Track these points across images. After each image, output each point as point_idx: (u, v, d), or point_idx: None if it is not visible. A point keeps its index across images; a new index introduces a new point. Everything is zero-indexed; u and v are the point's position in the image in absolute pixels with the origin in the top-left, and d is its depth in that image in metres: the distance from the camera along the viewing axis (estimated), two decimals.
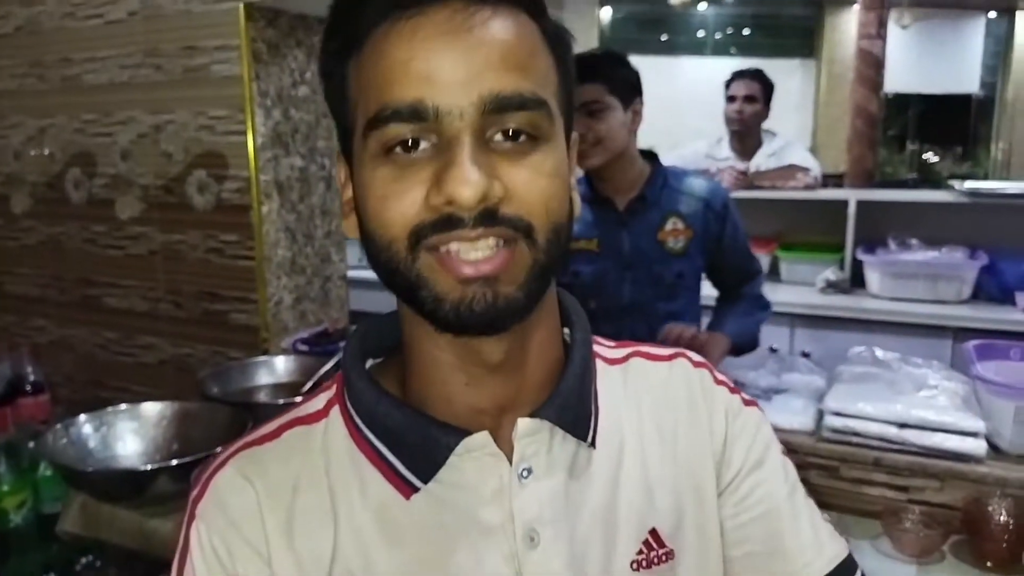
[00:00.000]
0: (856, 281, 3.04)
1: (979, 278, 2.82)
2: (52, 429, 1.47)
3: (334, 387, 0.66)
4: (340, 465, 0.61)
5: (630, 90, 1.79)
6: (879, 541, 1.39)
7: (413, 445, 0.59)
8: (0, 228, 2.30)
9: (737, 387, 0.74)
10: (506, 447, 0.60)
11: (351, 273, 2.22)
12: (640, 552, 0.64)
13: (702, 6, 10.34)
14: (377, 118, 0.53)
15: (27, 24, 2.11)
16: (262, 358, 1.81)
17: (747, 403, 0.73)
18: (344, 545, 0.59)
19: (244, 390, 1.73)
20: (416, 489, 0.60)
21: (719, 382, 0.73)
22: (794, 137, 4.18)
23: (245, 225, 1.86)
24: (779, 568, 0.68)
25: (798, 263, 3.22)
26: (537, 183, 0.54)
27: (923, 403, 1.51)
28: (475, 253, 0.53)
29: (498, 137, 0.53)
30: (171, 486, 1.33)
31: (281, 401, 1.62)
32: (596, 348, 0.69)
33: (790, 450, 1.52)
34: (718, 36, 10.72)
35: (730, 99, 3.24)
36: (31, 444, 1.52)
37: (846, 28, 9.76)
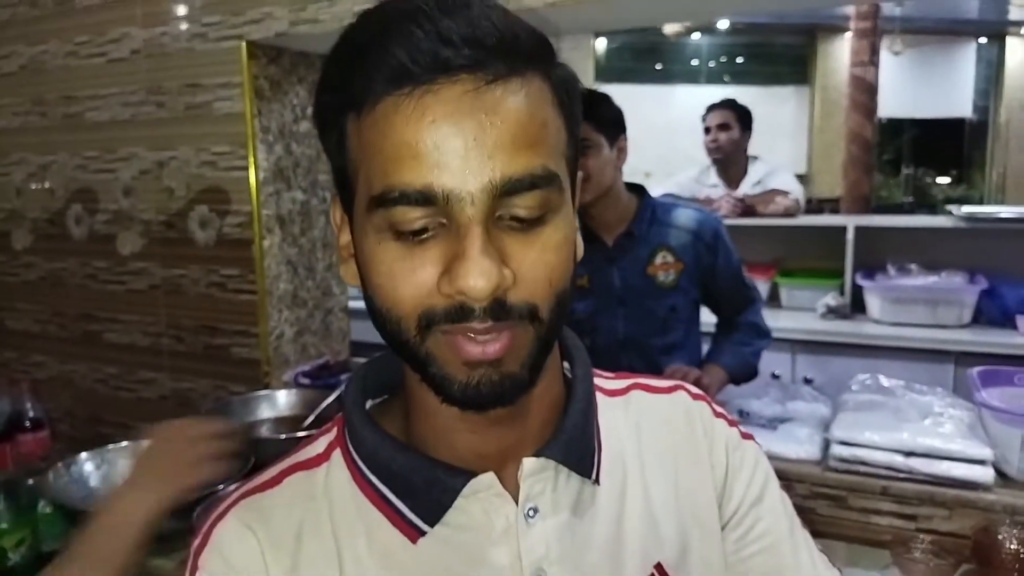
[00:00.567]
0: (856, 306, 3.04)
1: (979, 302, 2.82)
2: (53, 467, 1.46)
3: (334, 430, 0.66)
4: (344, 510, 0.61)
5: (615, 127, 1.80)
6: (889, 572, 1.38)
7: (418, 488, 0.59)
8: (1, 264, 2.30)
9: (735, 420, 0.74)
10: (511, 487, 0.60)
11: (352, 304, 2.22)
12: None
13: (696, 35, 10.48)
14: (383, 198, 0.51)
15: (30, 63, 2.13)
16: (264, 392, 1.80)
17: (744, 436, 0.73)
18: None
19: (246, 424, 1.72)
20: (423, 533, 0.59)
21: (718, 415, 0.73)
22: (789, 163, 4.23)
23: (247, 259, 1.86)
24: None
25: (798, 289, 3.22)
26: (544, 260, 0.53)
27: (929, 431, 1.51)
28: (482, 336, 0.52)
29: (508, 218, 0.52)
30: (174, 524, 1.31)
31: (283, 436, 1.61)
32: (596, 381, 0.69)
33: (797, 480, 1.52)
34: (712, 65, 10.84)
35: (706, 130, 3.33)
36: (30, 481, 1.50)
37: (839, 55, 9.88)
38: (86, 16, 2.00)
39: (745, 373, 1.95)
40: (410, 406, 0.62)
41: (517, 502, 0.60)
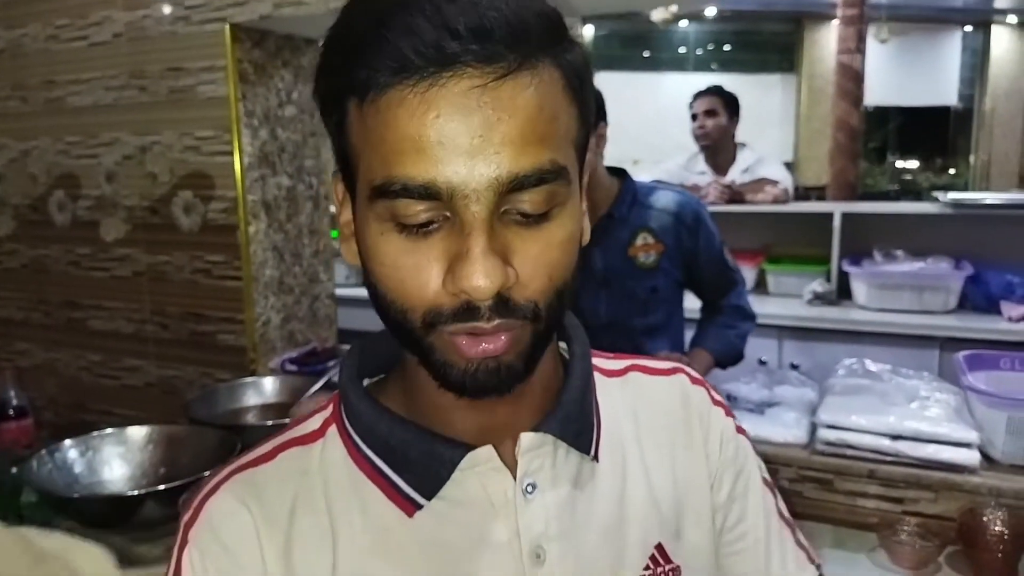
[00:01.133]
0: (843, 293, 3.06)
1: (964, 288, 2.84)
2: (36, 455, 1.44)
3: (330, 407, 0.65)
4: (338, 486, 0.60)
5: (595, 114, 1.79)
6: (875, 554, 1.39)
7: (416, 461, 0.59)
8: None
9: (731, 410, 0.75)
10: (509, 462, 0.60)
11: (339, 291, 2.20)
12: (647, 568, 0.64)
13: (683, 23, 10.47)
14: (386, 189, 0.50)
15: (10, 47, 2.09)
16: (250, 379, 1.79)
17: (739, 430, 0.74)
18: (344, 567, 0.58)
19: (232, 412, 1.71)
20: (419, 507, 0.59)
21: (716, 402, 0.73)
22: (776, 150, 4.25)
23: (232, 245, 1.84)
24: None
25: (785, 276, 3.23)
26: (546, 257, 0.52)
27: (915, 414, 1.52)
28: (487, 336, 0.52)
29: (514, 212, 0.51)
30: (158, 511, 1.31)
31: (270, 422, 1.60)
32: (594, 360, 0.69)
33: (784, 464, 1.53)
34: (699, 52, 10.85)
35: (693, 117, 3.33)
36: (14, 470, 1.49)
37: (826, 43, 9.91)
38: None
39: (731, 356, 1.95)
40: (408, 383, 0.62)
41: (516, 478, 0.60)
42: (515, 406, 0.60)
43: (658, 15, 8.91)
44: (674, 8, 7.72)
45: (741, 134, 3.43)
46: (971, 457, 1.44)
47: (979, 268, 2.84)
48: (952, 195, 3.02)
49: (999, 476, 1.44)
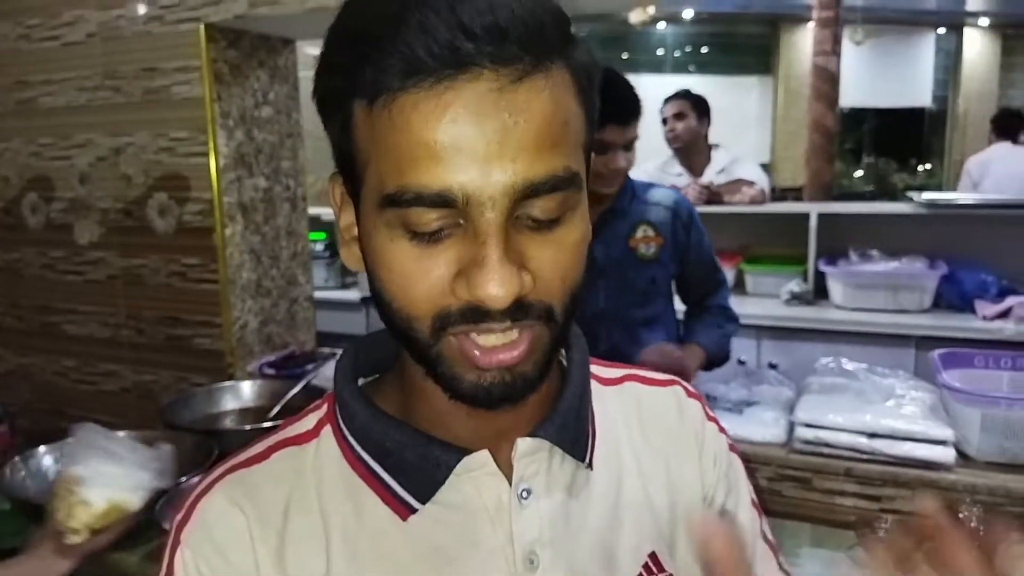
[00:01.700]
0: (819, 293, 3.09)
1: (939, 287, 2.87)
2: (10, 462, 1.42)
3: (324, 407, 0.64)
4: (333, 487, 0.60)
5: (632, 114, 1.83)
6: (854, 552, 1.40)
7: (411, 465, 0.58)
8: None
9: (724, 427, 0.75)
10: (505, 467, 0.60)
11: (318, 294, 2.19)
12: None
13: (661, 25, 10.53)
14: (397, 198, 0.48)
15: None
16: (227, 383, 1.77)
17: (731, 448, 0.74)
18: (338, 569, 0.57)
19: (209, 417, 1.70)
20: (413, 510, 0.58)
21: (710, 418, 0.73)
22: (753, 152, 4.27)
23: (208, 248, 1.82)
24: None
25: (763, 276, 3.26)
26: (560, 260, 0.51)
27: (892, 413, 1.53)
28: (495, 339, 0.51)
29: (526, 218, 0.50)
30: (135, 518, 1.29)
31: (248, 427, 1.58)
32: (592, 368, 0.69)
33: (763, 462, 1.54)
34: (677, 54, 10.92)
35: (663, 121, 3.37)
36: None
37: (801, 45, 10.00)
38: None
39: (721, 354, 1.96)
40: (405, 385, 0.61)
41: (511, 483, 0.59)
42: (513, 411, 0.59)
43: (636, 17, 8.94)
44: (652, 10, 7.75)
45: (719, 136, 3.46)
46: (946, 454, 1.46)
47: (953, 267, 2.88)
48: (926, 195, 3.06)
49: (974, 473, 1.46)
